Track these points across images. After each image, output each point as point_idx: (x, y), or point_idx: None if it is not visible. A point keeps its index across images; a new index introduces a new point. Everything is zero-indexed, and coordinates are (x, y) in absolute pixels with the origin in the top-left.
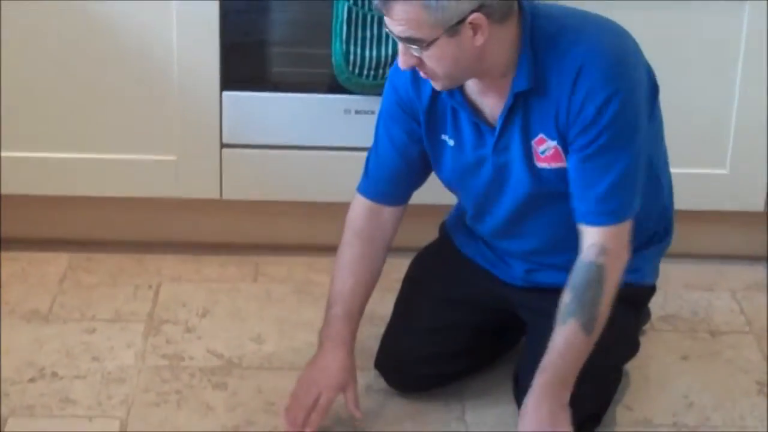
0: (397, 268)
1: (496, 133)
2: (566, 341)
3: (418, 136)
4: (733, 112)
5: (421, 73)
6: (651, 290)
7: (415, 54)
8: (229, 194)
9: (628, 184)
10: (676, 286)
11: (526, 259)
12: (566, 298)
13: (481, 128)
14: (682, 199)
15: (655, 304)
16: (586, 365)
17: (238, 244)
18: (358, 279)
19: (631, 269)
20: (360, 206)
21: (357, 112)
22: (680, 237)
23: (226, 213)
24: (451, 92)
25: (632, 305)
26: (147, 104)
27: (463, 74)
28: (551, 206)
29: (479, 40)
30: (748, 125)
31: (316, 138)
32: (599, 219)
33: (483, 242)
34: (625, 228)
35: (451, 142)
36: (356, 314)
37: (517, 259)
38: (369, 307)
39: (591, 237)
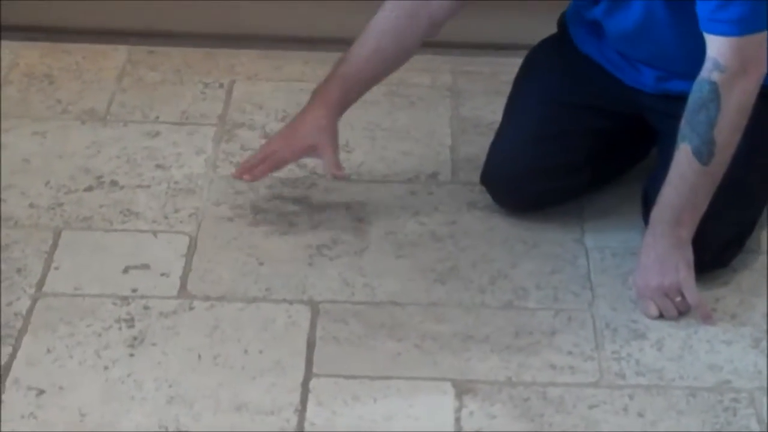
0: (507, 69)
1: None
2: (678, 170)
3: None
4: None
5: None
6: None
7: None
8: None
9: None
10: None
11: (657, 66)
12: (682, 121)
13: None
14: None
15: None
16: (728, 182)
17: (323, 38)
18: (380, 46)
19: None
20: None
21: None
22: None
23: (309, 2)
24: None
25: None
26: None
27: None
28: (690, 8)
29: None
30: None
31: None
32: (715, 27)
33: (607, 42)
34: (756, 40)
35: None
36: (359, 80)
37: (647, 64)
38: (475, 112)
39: (709, 48)
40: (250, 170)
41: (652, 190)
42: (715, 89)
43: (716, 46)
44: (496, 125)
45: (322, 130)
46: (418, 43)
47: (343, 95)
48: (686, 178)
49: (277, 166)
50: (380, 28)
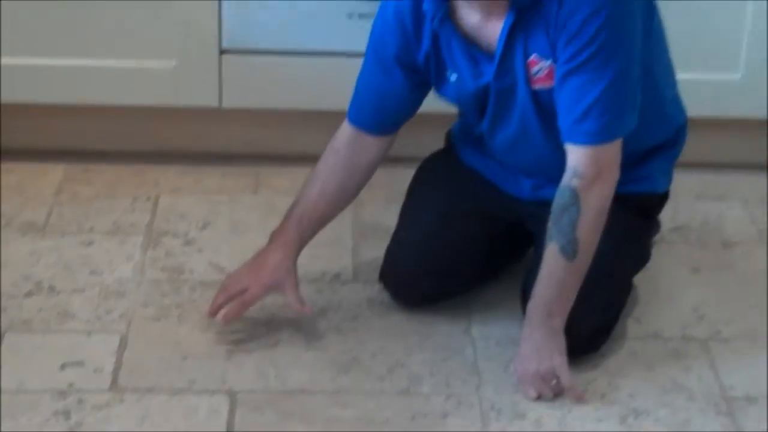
0: (402, 179)
1: (497, 57)
2: (547, 267)
3: (408, 63)
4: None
5: None
6: (663, 198)
7: None
8: (228, 102)
9: (613, 103)
10: (686, 196)
11: (533, 174)
12: (549, 222)
13: (478, 58)
14: (694, 106)
15: (665, 216)
16: (594, 277)
17: (238, 155)
18: (325, 190)
19: (639, 177)
20: (344, 131)
21: (361, 16)
22: (691, 145)
23: (225, 122)
24: (441, 24)
25: (642, 214)
26: (145, 8)
27: None
28: (556, 126)
29: None
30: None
31: (319, 43)
32: (575, 138)
33: (490, 155)
34: (609, 149)
35: (453, 77)
36: (312, 221)
37: (524, 174)
38: (373, 219)
39: (569, 158)
40: (223, 312)
41: (529, 285)
42: (575, 194)
43: (575, 155)
44: (393, 230)
45: (283, 271)
46: (361, 184)
47: (299, 235)
48: (554, 274)
49: (250, 304)
50: (323, 175)
